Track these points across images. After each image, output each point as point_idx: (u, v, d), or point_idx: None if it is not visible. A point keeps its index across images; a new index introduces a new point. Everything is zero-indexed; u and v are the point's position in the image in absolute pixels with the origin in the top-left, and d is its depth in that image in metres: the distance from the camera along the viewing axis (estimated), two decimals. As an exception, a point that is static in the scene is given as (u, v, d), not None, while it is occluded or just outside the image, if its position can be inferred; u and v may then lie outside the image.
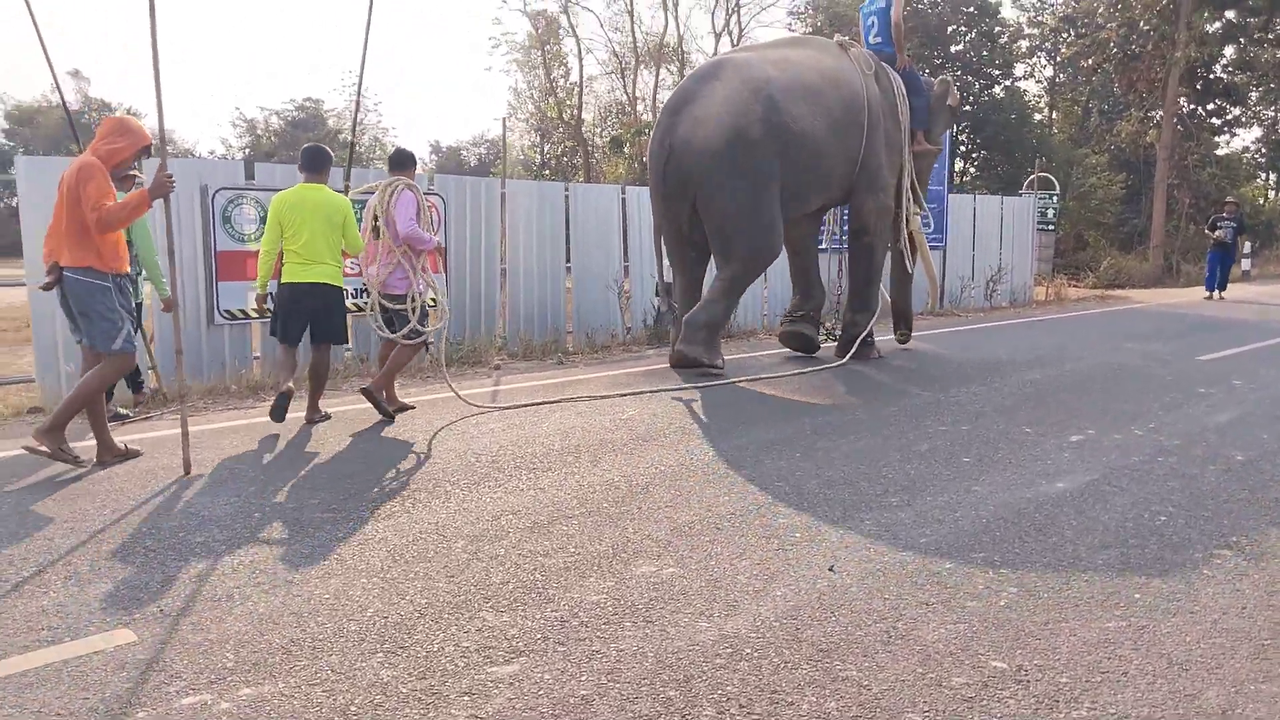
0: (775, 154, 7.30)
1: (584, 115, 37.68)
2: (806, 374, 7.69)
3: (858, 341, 8.35)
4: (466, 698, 2.49)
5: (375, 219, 5.69)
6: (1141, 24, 22.12)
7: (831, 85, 7.82)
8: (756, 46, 9.12)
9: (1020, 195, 16.26)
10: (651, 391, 6.77)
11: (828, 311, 9.91)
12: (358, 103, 9.16)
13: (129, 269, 4.87)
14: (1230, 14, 21.98)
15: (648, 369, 7.90)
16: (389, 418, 5.76)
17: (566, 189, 10.10)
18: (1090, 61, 24.93)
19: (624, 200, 10.34)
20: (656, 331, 9.61)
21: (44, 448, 4.53)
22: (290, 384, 5.48)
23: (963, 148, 33.14)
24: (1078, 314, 13.06)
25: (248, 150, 39.56)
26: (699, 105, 7.30)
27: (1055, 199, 15.74)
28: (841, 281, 10.54)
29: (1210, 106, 24.21)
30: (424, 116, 73.35)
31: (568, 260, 9.76)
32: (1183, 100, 22.61)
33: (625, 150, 25.99)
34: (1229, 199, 18.74)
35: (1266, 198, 34.18)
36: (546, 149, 36.26)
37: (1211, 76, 22.96)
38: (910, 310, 9.44)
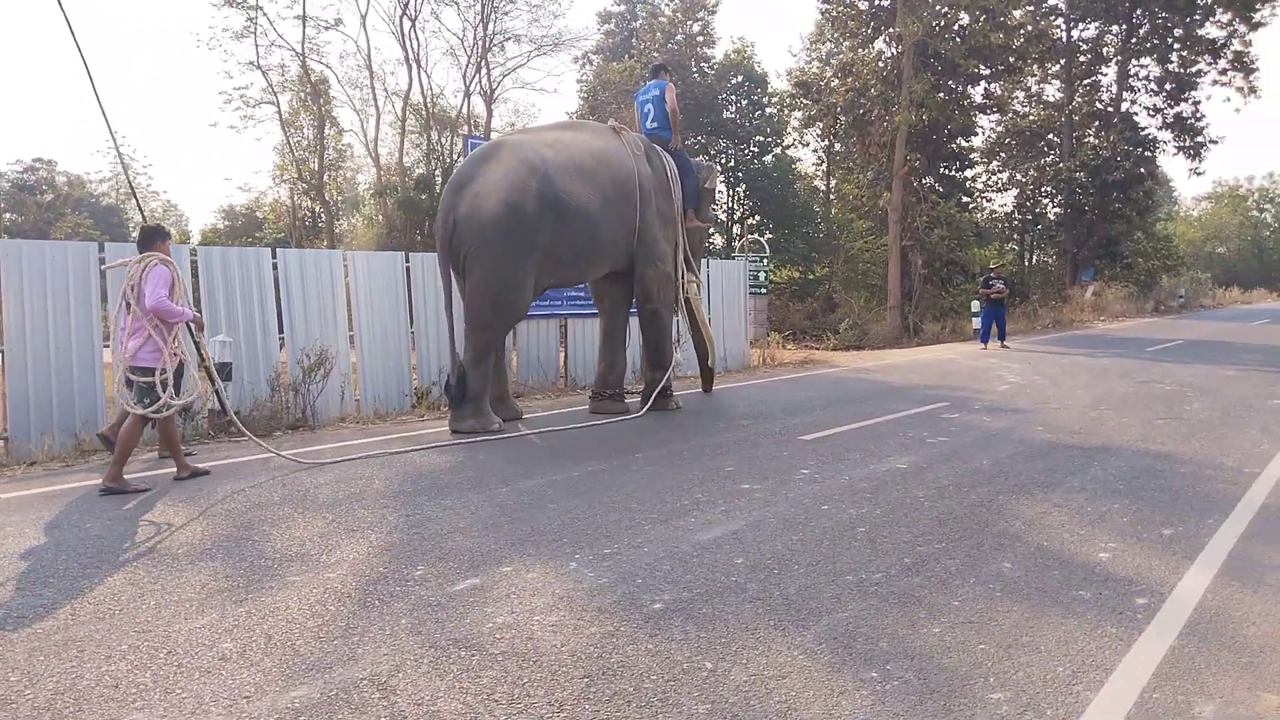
0: (548, 228, 7.82)
1: (358, 177, 35.74)
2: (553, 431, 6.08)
3: (654, 395, 9.12)
4: None
5: (125, 293, 5.74)
6: (871, 90, 22.50)
7: (603, 164, 8.49)
8: (531, 130, 9.61)
9: (733, 258, 15.56)
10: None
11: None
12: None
13: None
14: (951, 82, 22.72)
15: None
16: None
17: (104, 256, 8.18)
18: (822, 125, 25.36)
19: (195, 263, 8.55)
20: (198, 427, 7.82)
21: None
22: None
23: (736, 213, 33.31)
24: (755, 382, 12.10)
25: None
26: (479, 183, 7.73)
27: (765, 261, 15.11)
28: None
29: (943, 171, 24.90)
30: (202, 176, 68.08)
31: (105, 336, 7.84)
32: (918, 163, 23.08)
33: (363, 211, 24.19)
34: (994, 262, 19.79)
35: (1020, 261, 36.07)
36: (315, 210, 33.86)
37: (942, 141, 23.58)
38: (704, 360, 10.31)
